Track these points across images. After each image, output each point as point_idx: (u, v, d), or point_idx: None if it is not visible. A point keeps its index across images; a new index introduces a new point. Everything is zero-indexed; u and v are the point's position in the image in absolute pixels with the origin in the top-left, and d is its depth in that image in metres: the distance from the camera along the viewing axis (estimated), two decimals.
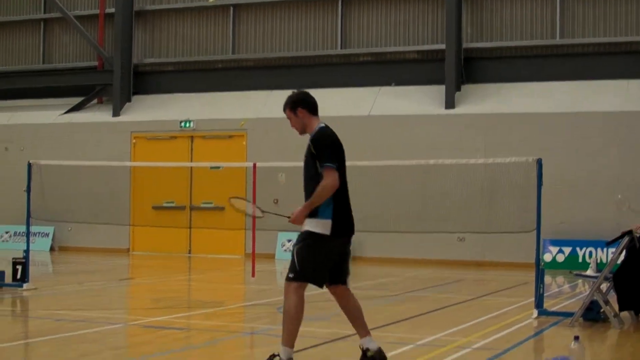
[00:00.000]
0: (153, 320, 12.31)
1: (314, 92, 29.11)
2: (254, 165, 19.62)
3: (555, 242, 23.15)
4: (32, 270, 16.32)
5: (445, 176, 23.04)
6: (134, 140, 27.90)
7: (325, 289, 8.48)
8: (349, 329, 11.22)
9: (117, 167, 25.30)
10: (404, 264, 24.06)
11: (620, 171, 23.00)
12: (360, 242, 25.21)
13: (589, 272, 13.77)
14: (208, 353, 9.02)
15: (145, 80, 29.26)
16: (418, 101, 25.43)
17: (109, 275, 20.36)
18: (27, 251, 15.97)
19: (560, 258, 23.05)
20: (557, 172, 22.12)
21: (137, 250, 27.71)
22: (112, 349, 9.73)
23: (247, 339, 10.19)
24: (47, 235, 28.46)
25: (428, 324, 12.29)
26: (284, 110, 8.75)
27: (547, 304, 13.60)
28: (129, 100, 28.97)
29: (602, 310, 12.30)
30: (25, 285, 15.57)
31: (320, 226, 8.25)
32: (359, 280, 20.43)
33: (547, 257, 23.00)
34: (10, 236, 28.97)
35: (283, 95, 28.95)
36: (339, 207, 8.36)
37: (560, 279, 20.60)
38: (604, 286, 12.79)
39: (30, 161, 16.39)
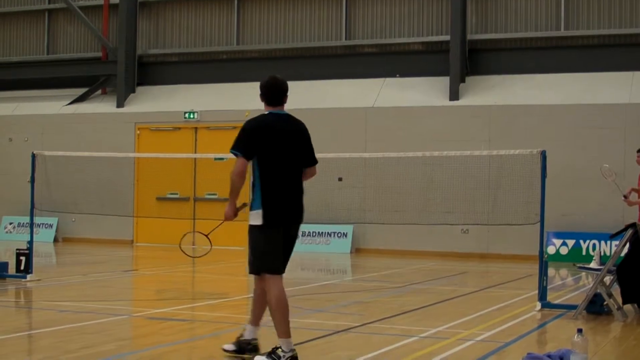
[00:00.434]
0: (157, 312, 12.32)
1: (319, 84, 29.33)
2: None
3: (558, 235, 23.14)
4: (35, 261, 16.31)
5: (449, 168, 23.04)
6: (138, 131, 27.91)
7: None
8: (352, 321, 11.25)
9: (121, 158, 25.30)
10: (408, 255, 24.06)
11: (625, 163, 22.95)
12: (365, 233, 25.25)
13: (593, 264, 13.78)
14: (212, 344, 9.02)
15: (150, 71, 29.26)
16: (422, 93, 25.41)
17: (113, 267, 20.38)
18: (30, 242, 15.98)
19: (564, 251, 23.04)
20: (561, 164, 22.11)
21: (141, 242, 27.73)
22: (116, 340, 9.74)
23: None
24: (51, 226, 28.49)
25: (432, 316, 12.29)
26: None
27: (551, 297, 13.61)
28: (133, 91, 28.98)
29: (605, 303, 12.29)
30: (28, 277, 15.58)
31: (254, 218, 8.33)
32: (363, 272, 20.45)
33: (551, 250, 22.99)
34: (14, 227, 29.00)
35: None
36: (268, 197, 8.32)
37: (563, 271, 20.60)
38: (608, 279, 12.78)
39: (34, 152, 16.39)
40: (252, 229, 8.37)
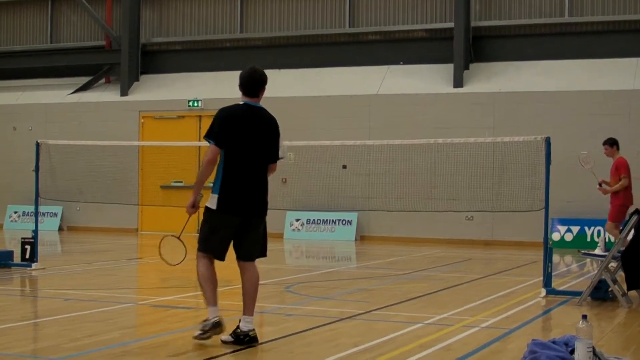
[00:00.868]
0: (162, 300, 12.35)
1: (323, 71, 29.19)
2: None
3: (563, 221, 23.13)
4: (40, 250, 16.36)
5: (454, 155, 23.04)
6: (142, 120, 27.92)
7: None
8: (357, 309, 11.26)
9: (125, 147, 25.32)
10: (413, 243, 24.08)
11: (630, 149, 22.93)
12: (369, 221, 25.27)
13: (597, 251, 13.80)
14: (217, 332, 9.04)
15: (153, 60, 29.25)
16: (426, 80, 25.39)
17: (118, 255, 20.41)
18: (35, 231, 16.00)
19: (569, 237, 23.03)
20: (565, 151, 22.05)
21: (146, 230, 27.76)
22: (121, 328, 9.75)
23: (256, 317, 10.20)
24: (56, 215, 28.53)
25: (436, 302, 12.30)
26: None
27: (555, 283, 13.60)
28: (137, 79, 28.97)
29: (610, 289, 12.30)
30: (34, 265, 15.62)
31: (210, 201, 8.58)
32: (368, 259, 20.47)
33: (556, 236, 23.00)
34: (19, 216, 29.05)
35: (291, 74, 29.13)
36: (227, 184, 8.53)
37: (568, 258, 20.61)
38: (612, 265, 12.78)
39: (39, 141, 16.39)
40: (206, 210, 8.65)
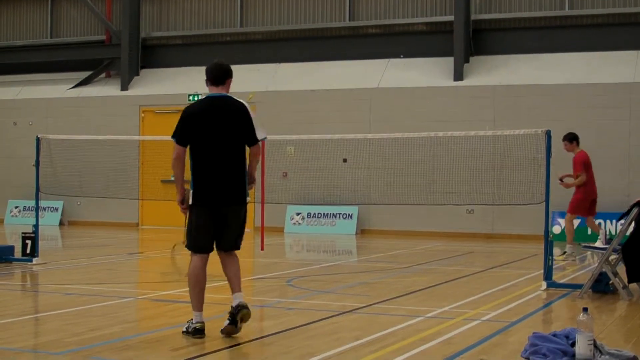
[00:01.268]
0: (163, 294, 12.36)
1: (323, 65, 29.22)
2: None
3: (564, 214, 23.04)
4: (41, 244, 16.37)
5: (454, 148, 23.04)
6: (142, 114, 27.92)
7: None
8: (358, 302, 11.27)
9: (126, 141, 25.33)
10: (413, 236, 24.09)
11: (630, 142, 22.95)
12: (370, 214, 25.27)
13: (598, 244, 13.76)
14: (218, 326, 9.04)
15: (153, 54, 29.24)
16: (427, 73, 25.37)
17: (119, 250, 20.41)
18: (36, 226, 16.00)
19: None
20: None
21: (146, 225, 27.77)
22: (122, 322, 9.76)
23: (257, 311, 10.23)
24: (57, 209, 28.54)
25: (437, 296, 12.31)
26: None
27: (556, 276, 13.61)
28: (137, 74, 28.97)
29: (611, 282, 12.30)
30: (34, 260, 15.61)
31: (190, 197, 8.88)
32: (368, 253, 20.47)
33: (556, 229, 22.98)
34: (19, 211, 29.06)
35: (291, 67, 29.14)
36: (197, 178, 8.85)
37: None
38: (613, 258, 12.79)
39: (39, 135, 16.38)
40: (189, 207, 8.95)
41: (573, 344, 7.59)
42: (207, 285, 9.00)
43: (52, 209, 28.43)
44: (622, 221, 12.56)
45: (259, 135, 9.05)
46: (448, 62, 25.20)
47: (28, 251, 15.80)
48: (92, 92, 29.09)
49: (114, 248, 20.82)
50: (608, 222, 22.41)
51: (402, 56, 26.10)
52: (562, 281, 13.59)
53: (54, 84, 29.79)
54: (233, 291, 8.96)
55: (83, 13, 30.29)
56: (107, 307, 10.84)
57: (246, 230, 9.30)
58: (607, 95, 23.25)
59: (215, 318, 9.41)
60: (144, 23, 29.24)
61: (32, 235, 15.82)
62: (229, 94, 9.06)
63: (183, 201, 9.00)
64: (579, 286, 12.33)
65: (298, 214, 25.92)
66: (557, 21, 25.06)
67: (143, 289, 13.61)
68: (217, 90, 9.03)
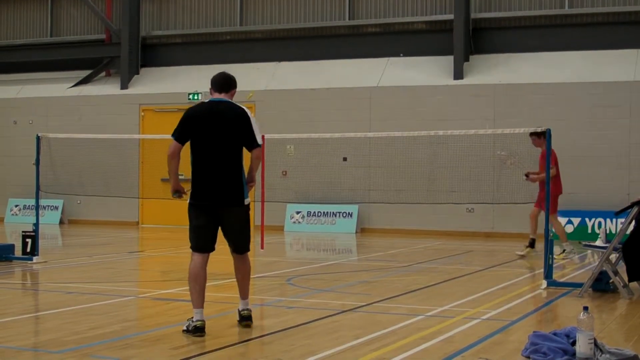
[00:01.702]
0: (163, 293, 12.36)
1: (323, 64, 29.23)
2: (262, 137, 19.58)
3: (564, 213, 23.09)
4: (41, 243, 16.36)
5: (454, 147, 23.04)
6: (142, 113, 27.91)
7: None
8: (358, 301, 11.27)
9: (126, 140, 25.33)
10: (413, 235, 24.09)
11: (630, 141, 22.95)
12: (370, 213, 25.27)
13: (598, 242, 13.81)
14: (218, 325, 9.05)
15: (153, 53, 29.23)
16: (426, 72, 25.36)
17: (119, 248, 20.42)
18: (36, 224, 16.00)
19: (570, 229, 22.98)
20: (566, 143, 22.09)
21: (147, 223, 27.77)
22: (122, 321, 9.76)
23: (257, 310, 10.23)
24: (57, 208, 28.54)
25: (437, 295, 12.31)
26: None
27: (556, 275, 13.62)
28: (137, 72, 28.96)
29: (611, 280, 12.30)
30: (35, 259, 15.62)
31: (189, 196, 9.09)
32: (368, 252, 20.47)
33: None
34: (19, 210, 29.06)
35: (291, 66, 29.14)
36: (195, 176, 9.06)
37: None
38: (613, 257, 12.79)
39: (39, 134, 16.39)
40: (188, 206, 9.13)
41: (573, 343, 7.59)
42: (208, 284, 9.01)
43: (52, 208, 28.43)
44: (622, 219, 12.56)
45: (259, 139, 9.19)
46: (448, 60, 25.19)
47: (28, 250, 15.80)
48: (92, 90, 29.08)
49: (114, 247, 20.82)
50: (608, 220, 22.41)
51: (402, 55, 26.09)
52: (562, 280, 13.60)
53: (54, 83, 29.78)
54: (240, 296, 9.31)
55: (83, 12, 30.28)
56: (107, 305, 10.85)
57: None
58: (607, 94, 23.24)
59: (216, 317, 9.42)
60: (143, 22, 29.23)
61: (32, 233, 15.82)
62: (231, 100, 9.24)
63: (176, 191, 9.31)
64: (579, 285, 12.33)
65: (298, 212, 25.91)
66: (557, 20, 25.05)
67: (143, 287, 13.62)
68: (219, 96, 9.25)
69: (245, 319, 9.20)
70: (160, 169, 26.33)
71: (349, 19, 26.83)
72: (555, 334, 7.90)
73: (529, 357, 7.70)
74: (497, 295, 12.19)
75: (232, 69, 27.79)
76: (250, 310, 9.29)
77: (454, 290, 12.72)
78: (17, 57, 30.92)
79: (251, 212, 9.32)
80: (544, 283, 12.69)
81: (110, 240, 22.61)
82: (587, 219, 22.92)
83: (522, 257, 17.82)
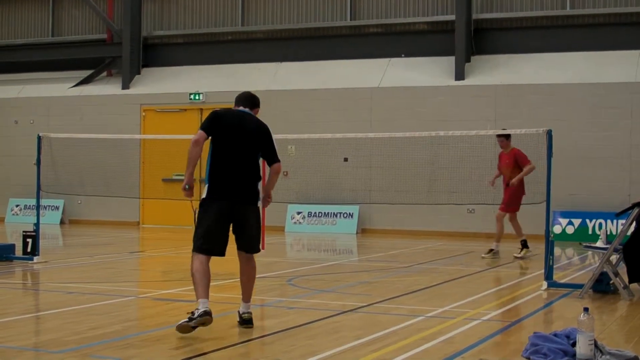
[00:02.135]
0: (164, 293, 12.36)
1: (324, 64, 29.22)
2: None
3: (565, 214, 23.13)
4: (42, 243, 16.35)
5: (455, 148, 23.05)
6: (143, 113, 27.92)
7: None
8: (359, 301, 11.28)
9: (127, 140, 25.33)
10: (414, 235, 24.09)
11: (631, 142, 22.94)
12: (370, 214, 25.27)
13: (599, 243, 13.77)
14: (219, 325, 9.05)
15: (155, 53, 29.24)
16: (428, 72, 25.37)
17: (119, 248, 20.42)
18: (37, 224, 16.01)
19: (570, 230, 23.02)
20: (567, 144, 22.10)
21: (147, 223, 27.78)
22: (123, 321, 9.77)
23: (258, 310, 10.23)
24: (57, 208, 28.55)
25: (438, 295, 12.31)
26: None
27: (557, 276, 13.62)
28: (139, 72, 28.96)
29: (611, 282, 12.30)
30: (35, 259, 15.62)
31: (204, 191, 9.09)
32: (369, 252, 20.47)
33: (557, 229, 23.00)
34: (20, 209, 29.06)
35: (292, 67, 29.07)
36: (214, 172, 9.09)
37: (570, 250, 20.61)
38: (614, 258, 12.78)
39: (40, 134, 16.40)
40: (200, 204, 9.10)
41: (574, 344, 7.59)
42: (211, 284, 9.00)
43: (53, 208, 28.44)
44: (623, 220, 12.55)
45: (277, 157, 9.45)
46: (449, 61, 25.19)
47: (29, 250, 15.81)
48: (93, 90, 29.08)
49: (114, 247, 20.82)
50: (609, 221, 22.41)
51: (403, 55, 26.09)
52: (562, 281, 13.59)
53: (56, 83, 29.79)
54: (242, 298, 9.35)
55: (84, 12, 30.29)
56: (107, 305, 10.85)
57: None
58: (609, 95, 23.24)
59: (217, 317, 9.41)
60: (145, 22, 29.24)
61: (33, 233, 15.83)
62: (255, 115, 9.51)
63: (189, 186, 9.21)
64: (580, 286, 12.33)
65: (299, 213, 25.92)
66: (559, 21, 25.05)
67: (144, 287, 13.62)
68: (242, 109, 9.49)
69: (246, 322, 9.22)
70: (161, 169, 26.49)
71: (351, 20, 26.84)
72: (555, 335, 7.90)
73: (529, 358, 7.70)
74: (497, 296, 12.19)
75: (233, 69, 27.91)
76: (251, 313, 9.31)
77: (455, 291, 12.72)
78: (18, 56, 30.93)
79: (259, 210, 9.38)
80: (545, 284, 12.70)
81: (111, 240, 22.61)
82: (587, 220, 22.92)
83: (522, 258, 17.84)
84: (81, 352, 7.91)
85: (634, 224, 12.19)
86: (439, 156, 23.55)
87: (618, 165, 22.92)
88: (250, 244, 9.28)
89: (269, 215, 19.56)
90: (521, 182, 18.01)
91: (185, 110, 27.31)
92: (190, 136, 24.30)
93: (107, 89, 29.02)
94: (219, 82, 27.16)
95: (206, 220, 8.99)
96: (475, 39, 25.38)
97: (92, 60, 29.64)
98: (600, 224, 22.61)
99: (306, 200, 25.23)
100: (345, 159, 25.09)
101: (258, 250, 9.43)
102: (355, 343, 8.45)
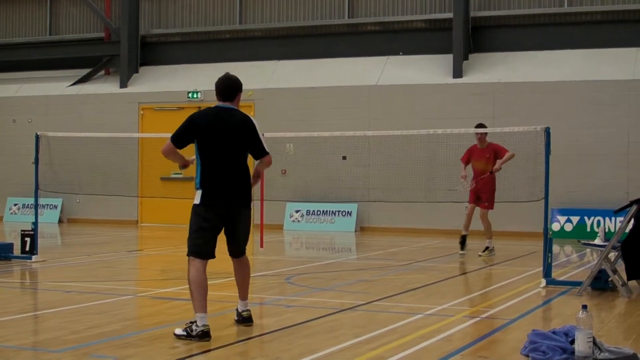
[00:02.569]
0: (162, 292, 12.36)
1: (322, 62, 29.20)
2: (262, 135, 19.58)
3: (563, 212, 23.14)
4: (40, 242, 16.36)
5: (453, 145, 23.00)
6: (141, 112, 27.91)
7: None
8: (358, 299, 11.27)
9: (125, 139, 25.31)
10: (412, 233, 24.09)
11: (629, 139, 22.95)
12: (369, 212, 25.27)
13: (597, 241, 13.78)
14: (218, 324, 9.05)
15: (153, 51, 29.23)
16: (426, 70, 25.37)
17: (118, 247, 20.42)
18: (35, 223, 15.99)
19: (569, 227, 23.03)
20: (565, 141, 22.10)
21: (146, 222, 27.78)
22: (122, 320, 9.76)
23: (256, 309, 10.23)
24: (56, 207, 28.54)
25: (436, 293, 12.31)
26: None
27: (555, 273, 13.61)
28: (137, 71, 28.96)
29: (610, 279, 12.30)
30: (34, 258, 15.62)
31: (195, 198, 8.91)
32: (368, 250, 20.47)
33: (556, 227, 23.01)
34: (18, 208, 29.05)
35: (290, 65, 29.09)
36: (206, 178, 8.90)
37: (568, 248, 20.61)
38: (612, 255, 12.79)
39: (38, 133, 16.37)
40: (192, 209, 8.92)
41: (572, 342, 7.60)
42: (210, 283, 8.99)
43: (51, 207, 28.42)
44: (621, 218, 12.56)
45: (266, 149, 9.22)
46: (447, 59, 25.20)
47: (27, 249, 15.80)
48: (91, 89, 29.08)
49: (113, 245, 20.82)
50: (607, 219, 22.42)
51: (401, 53, 26.09)
52: (561, 278, 13.60)
53: (53, 82, 29.78)
54: (239, 296, 9.33)
55: (82, 10, 30.27)
56: (106, 304, 10.84)
57: None
58: (606, 92, 23.25)
59: (215, 315, 9.41)
60: (143, 20, 29.23)
61: (31, 232, 15.82)
62: (236, 108, 9.19)
63: (184, 165, 9.34)
64: (578, 283, 12.33)
65: (297, 211, 25.91)
66: (556, 18, 25.05)
67: (142, 286, 13.62)
68: (224, 104, 9.16)
69: (246, 320, 9.21)
70: (160, 167, 26.48)
71: (349, 18, 26.83)
72: (554, 332, 7.91)
73: (527, 356, 7.71)
74: (496, 293, 12.19)
75: (231, 67, 27.77)
76: (250, 311, 9.30)
77: (453, 289, 12.72)
78: (16, 55, 30.92)
79: (251, 211, 9.34)
80: (543, 281, 12.70)
81: (110, 239, 22.61)
82: (586, 218, 22.93)
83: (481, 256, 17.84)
84: (79, 351, 7.91)
85: (632, 221, 12.19)
86: (437, 154, 23.54)
87: (616, 162, 22.93)
88: (240, 247, 9.22)
89: (267, 213, 19.55)
90: (494, 179, 18.05)
91: (184, 108, 27.28)
92: None
93: (105, 87, 29.02)
94: None
95: (201, 225, 8.83)
96: (473, 37, 25.39)
97: (90, 58, 29.62)
98: (598, 222, 22.61)
99: (304, 199, 25.24)
100: (344, 157, 25.09)
101: (244, 253, 9.32)
102: (353, 341, 8.45)
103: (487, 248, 18.06)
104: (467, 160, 18.28)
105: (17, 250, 16.00)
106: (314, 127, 24.02)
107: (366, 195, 24.65)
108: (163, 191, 26.57)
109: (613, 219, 22.04)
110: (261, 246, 18.20)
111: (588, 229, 22.65)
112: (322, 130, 22.34)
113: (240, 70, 27.19)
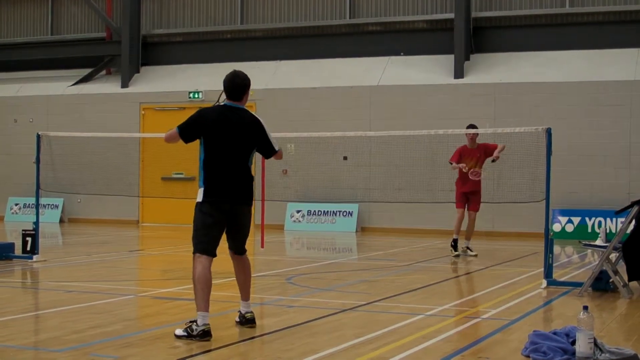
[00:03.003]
0: (163, 292, 12.37)
1: (323, 62, 29.23)
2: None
3: (564, 212, 23.13)
4: (41, 242, 16.37)
5: (455, 146, 22.96)
6: (142, 112, 27.91)
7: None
8: (359, 300, 11.28)
9: (126, 138, 25.30)
10: (413, 234, 24.09)
11: (631, 140, 22.95)
12: (370, 212, 25.27)
13: (598, 242, 13.77)
14: (218, 324, 9.05)
15: (154, 51, 29.23)
16: (427, 71, 25.37)
17: (119, 247, 20.42)
18: (36, 223, 16.00)
19: (570, 228, 23.03)
20: (566, 142, 22.11)
21: (147, 222, 27.78)
22: (123, 320, 9.77)
23: (257, 309, 10.22)
24: (57, 207, 28.54)
25: (437, 294, 12.31)
26: None
27: (557, 274, 13.61)
28: (138, 71, 28.95)
29: (611, 280, 12.30)
30: (35, 257, 15.63)
31: (198, 196, 8.93)
32: (369, 251, 20.47)
33: (557, 227, 23.00)
34: (19, 208, 29.06)
35: (292, 65, 29.12)
36: (209, 175, 8.91)
37: (569, 249, 20.60)
38: (613, 256, 12.79)
39: (39, 133, 16.39)
40: (195, 207, 8.93)
41: (573, 342, 7.60)
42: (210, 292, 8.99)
43: (52, 206, 28.43)
44: (622, 219, 12.56)
45: (275, 145, 9.27)
46: (448, 59, 25.19)
47: (28, 248, 15.81)
48: (92, 89, 29.08)
49: (114, 245, 20.82)
50: (608, 220, 22.42)
51: (402, 54, 26.09)
52: (562, 279, 13.60)
53: (55, 81, 29.78)
54: (241, 297, 9.31)
55: (84, 10, 30.27)
56: (107, 304, 10.85)
57: None
58: (608, 93, 23.25)
59: (216, 315, 9.42)
60: (144, 20, 29.23)
61: (33, 232, 15.83)
62: (244, 107, 9.19)
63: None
64: (580, 284, 12.33)
65: (298, 211, 25.92)
66: (558, 19, 25.04)
67: (143, 286, 13.62)
68: (233, 103, 9.16)
69: (249, 322, 9.18)
70: (161, 167, 26.50)
71: (350, 18, 26.83)
72: (555, 333, 7.91)
73: (528, 357, 7.71)
74: (497, 294, 12.19)
75: (232, 67, 27.72)
76: (253, 313, 9.30)
77: (454, 289, 12.73)
78: (17, 55, 30.92)
79: (252, 211, 9.35)
80: (544, 282, 12.70)
81: (111, 238, 22.61)
82: (587, 218, 22.93)
83: (458, 256, 17.86)
84: (81, 351, 7.92)
85: (633, 222, 12.19)
86: (438, 154, 23.51)
87: (617, 163, 22.92)
88: (241, 245, 9.22)
89: (268, 213, 19.54)
90: (480, 181, 18.11)
91: (185, 108, 27.27)
92: None
93: (107, 87, 29.02)
94: (219, 81, 26.61)
95: (206, 221, 8.82)
96: (475, 37, 25.38)
97: (92, 58, 29.63)
98: (599, 222, 22.61)
99: (306, 199, 25.24)
100: (345, 158, 25.10)
101: (245, 251, 9.32)
102: (355, 341, 8.46)
103: (468, 248, 18.14)
104: (457, 160, 18.29)
105: (18, 250, 16.01)
106: (315, 127, 24.03)
107: (367, 195, 24.65)
108: (164, 191, 26.58)
109: (614, 219, 22.04)
110: (262, 246, 18.20)
111: (589, 230, 22.64)
112: (324, 131, 22.35)
113: (242, 70, 27.23)
